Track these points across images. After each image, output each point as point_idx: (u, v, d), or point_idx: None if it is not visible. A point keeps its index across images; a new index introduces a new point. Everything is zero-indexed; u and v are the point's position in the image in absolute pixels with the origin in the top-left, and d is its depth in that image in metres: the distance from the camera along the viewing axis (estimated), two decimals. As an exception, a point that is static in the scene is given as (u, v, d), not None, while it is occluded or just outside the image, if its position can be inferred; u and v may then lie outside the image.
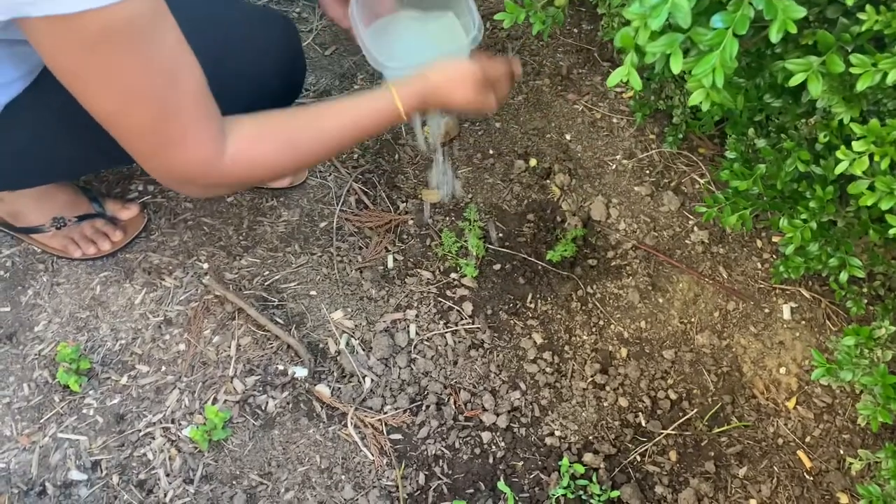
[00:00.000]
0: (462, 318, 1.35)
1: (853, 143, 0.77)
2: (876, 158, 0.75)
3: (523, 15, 1.03)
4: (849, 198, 1.01)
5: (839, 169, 0.79)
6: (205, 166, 0.91)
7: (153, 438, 1.19)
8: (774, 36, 0.64)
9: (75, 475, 1.15)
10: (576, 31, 1.78)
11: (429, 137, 1.28)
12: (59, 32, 0.74)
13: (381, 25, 1.23)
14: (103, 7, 0.71)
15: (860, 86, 0.71)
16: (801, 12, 0.63)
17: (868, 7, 0.69)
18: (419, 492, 1.18)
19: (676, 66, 0.68)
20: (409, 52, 1.23)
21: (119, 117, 0.84)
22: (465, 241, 1.41)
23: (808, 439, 1.29)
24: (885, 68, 0.69)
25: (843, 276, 1.06)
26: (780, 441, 1.28)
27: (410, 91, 1.03)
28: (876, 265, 1.17)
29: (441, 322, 1.34)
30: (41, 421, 1.20)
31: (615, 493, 1.19)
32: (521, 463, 1.22)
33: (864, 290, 1.27)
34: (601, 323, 1.38)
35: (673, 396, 1.31)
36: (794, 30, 0.63)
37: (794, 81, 0.75)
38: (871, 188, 0.79)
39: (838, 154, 0.77)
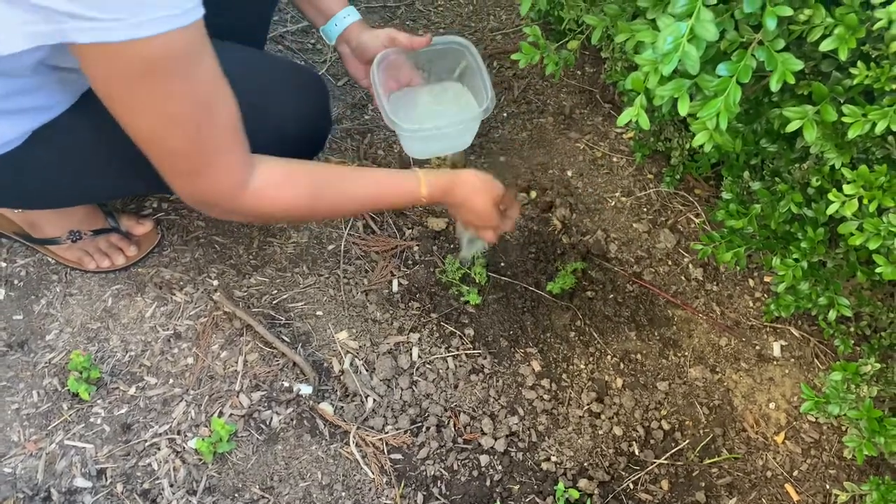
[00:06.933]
0: (463, 344, 1.39)
1: (844, 187, 0.83)
2: (865, 202, 0.81)
3: (538, 56, 1.09)
4: (838, 240, 1.07)
5: (830, 210, 0.84)
6: (227, 195, 0.95)
7: (158, 449, 1.21)
8: (774, 85, 0.70)
9: (80, 482, 1.17)
10: (579, 73, 1.86)
11: (463, 251, 1.41)
12: (104, 59, 0.79)
13: (399, 94, 1.33)
14: (146, 38, 0.76)
15: (851, 134, 0.77)
16: (798, 65, 0.69)
17: (859, 63, 0.75)
18: (417, 511, 1.21)
19: (683, 109, 0.74)
20: (423, 118, 1.33)
21: (156, 141, 0.88)
22: (469, 268, 1.45)
23: (795, 473, 1.33)
24: (874, 118, 0.75)
25: (832, 315, 1.11)
26: (769, 474, 1.32)
27: (437, 181, 1.10)
28: (863, 306, 1.22)
29: (443, 346, 1.38)
30: (49, 428, 1.22)
31: (608, 519, 1.22)
32: (517, 486, 1.25)
33: (852, 329, 1.32)
34: (598, 353, 1.42)
35: (666, 427, 1.35)
36: (792, 80, 0.69)
37: (791, 128, 0.81)
38: (860, 229, 0.84)
39: (830, 196, 0.83)
